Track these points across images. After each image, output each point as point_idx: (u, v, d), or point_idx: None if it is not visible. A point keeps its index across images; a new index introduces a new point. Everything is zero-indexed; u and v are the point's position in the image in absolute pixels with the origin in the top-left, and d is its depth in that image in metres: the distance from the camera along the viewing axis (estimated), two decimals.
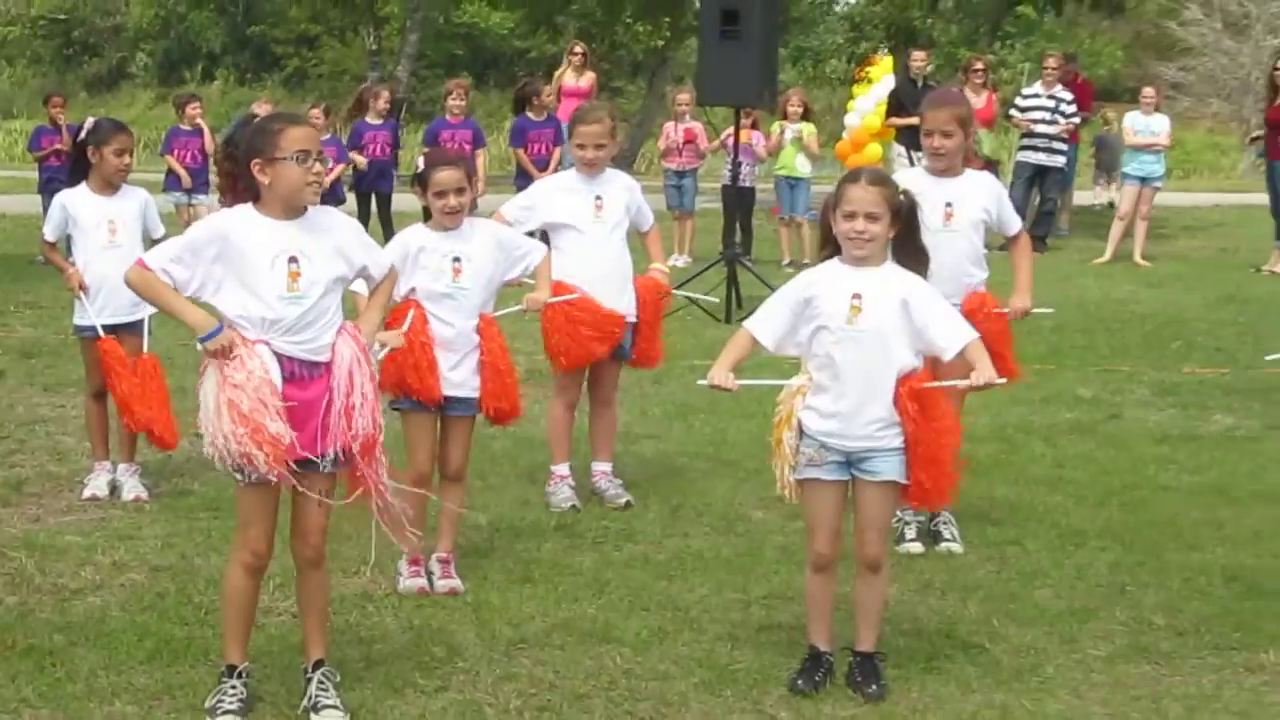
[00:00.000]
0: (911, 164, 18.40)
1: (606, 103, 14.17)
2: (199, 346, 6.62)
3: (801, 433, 7.32)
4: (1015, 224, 9.61)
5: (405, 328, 8.20)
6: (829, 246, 7.34)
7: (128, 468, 10.47)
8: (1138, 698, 7.39)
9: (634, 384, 12.45)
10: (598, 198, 10.21)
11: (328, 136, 22.49)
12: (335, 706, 6.88)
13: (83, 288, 10.16)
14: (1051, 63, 26.62)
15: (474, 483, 9.51)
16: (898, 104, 22.82)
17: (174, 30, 70.22)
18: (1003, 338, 9.22)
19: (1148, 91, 26.07)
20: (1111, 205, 31.33)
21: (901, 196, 7.26)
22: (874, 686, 7.28)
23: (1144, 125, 25.00)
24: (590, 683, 7.40)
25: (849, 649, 7.47)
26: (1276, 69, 24.61)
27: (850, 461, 7.27)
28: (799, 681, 7.35)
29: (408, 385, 8.14)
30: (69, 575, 8.78)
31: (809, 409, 7.28)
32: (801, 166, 23.10)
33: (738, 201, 21.28)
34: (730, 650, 7.86)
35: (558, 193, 10.29)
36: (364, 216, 21.69)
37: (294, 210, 6.73)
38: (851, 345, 7.14)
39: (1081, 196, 31.06)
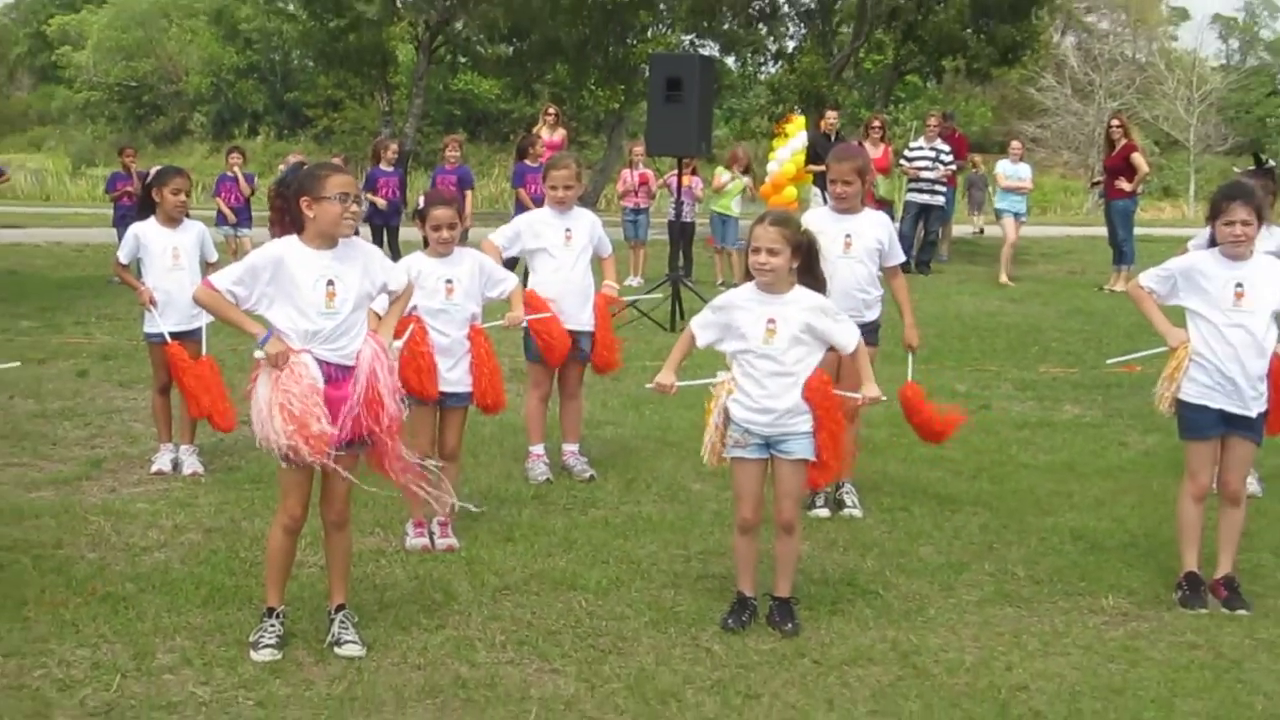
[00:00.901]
0: (824, 203, 18.40)
1: (573, 153, 14.15)
2: (257, 352, 6.68)
3: (729, 420, 7.39)
4: (899, 257, 9.63)
5: (404, 340, 8.20)
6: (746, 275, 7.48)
7: (187, 448, 10.46)
8: (1002, 634, 7.41)
9: (597, 381, 12.42)
10: (567, 229, 10.26)
11: None
12: (354, 641, 6.89)
13: (152, 302, 10.18)
14: (932, 121, 26.71)
15: (467, 460, 9.49)
16: (813, 154, 22.83)
17: (225, 95, 70.15)
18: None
19: (1015, 145, 26.20)
20: (981, 231, 31.46)
21: (801, 234, 7.36)
22: (789, 625, 7.32)
23: (1013, 171, 25.12)
24: (560, 621, 7.42)
25: (769, 595, 7.49)
26: (1111, 127, 24.75)
27: (769, 443, 7.36)
28: (729, 621, 7.38)
29: (410, 385, 8.11)
30: (139, 535, 8.75)
31: (735, 401, 7.37)
32: (734, 208, 23.26)
33: (681, 233, 21.28)
34: (674, 595, 7.87)
35: (535, 224, 10.34)
36: (376, 246, 21.64)
37: (330, 241, 6.79)
38: (767, 360, 7.29)
39: (959, 229, 31.14)
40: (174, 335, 10.20)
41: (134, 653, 6.79)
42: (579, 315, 10.26)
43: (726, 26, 38.93)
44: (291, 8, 43.29)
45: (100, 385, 13.53)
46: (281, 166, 22.39)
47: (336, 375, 6.74)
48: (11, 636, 6.93)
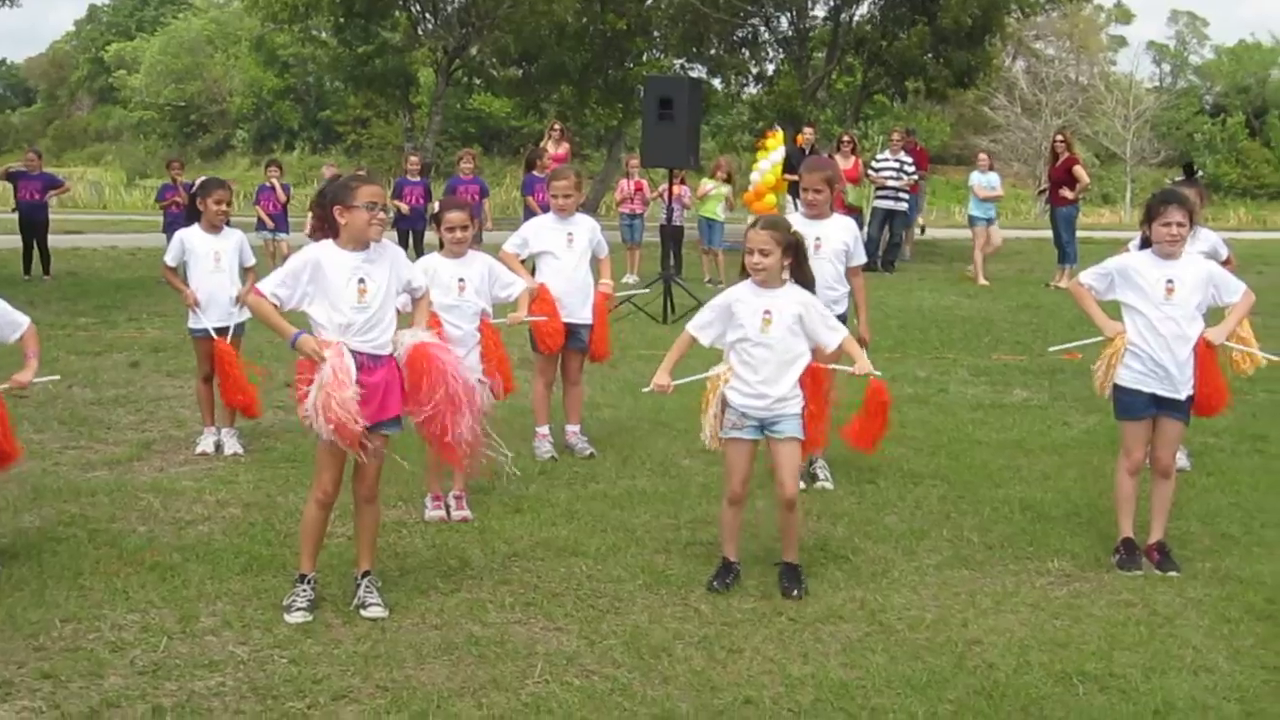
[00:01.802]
0: (796, 210, 18.34)
1: (573, 166, 14.15)
2: (291, 347, 6.71)
3: (726, 405, 7.38)
4: (861, 259, 9.61)
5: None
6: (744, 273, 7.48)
7: (229, 431, 10.42)
8: (958, 594, 7.39)
9: (598, 369, 12.38)
10: (569, 234, 10.25)
11: None
12: (378, 604, 6.88)
13: (195, 303, 10.16)
14: (896, 135, 26.71)
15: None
16: (790, 165, 22.81)
17: (264, 114, 70.14)
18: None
19: (982, 156, 26.16)
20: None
21: (791, 235, 7.37)
22: (796, 590, 7.30)
23: (985, 181, 25.05)
24: (563, 584, 7.39)
25: (780, 562, 7.49)
26: (1055, 142, 24.76)
27: (762, 425, 7.34)
28: (715, 583, 7.37)
29: None
30: (184, 510, 8.72)
31: (732, 388, 7.36)
32: (720, 213, 23.27)
33: (672, 236, 21.30)
34: (665, 560, 7.84)
35: (541, 230, 10.34)
36: (402, 247, 21.72)
37: (361, 244, 6.83)
38: (763, 348, 7.28)
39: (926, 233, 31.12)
40: (215, 330, 10.22)
41: (179, 616, 6.76)
42: (580, 310, 10.27)
43: (713, 52, 38.85)
44: (324, 35, 43.12)
45: (150, 375, 13.47)
46: (325, 173, 22.35)
47: (368, 364, 6.76)
48: (69, 603, 6.90)
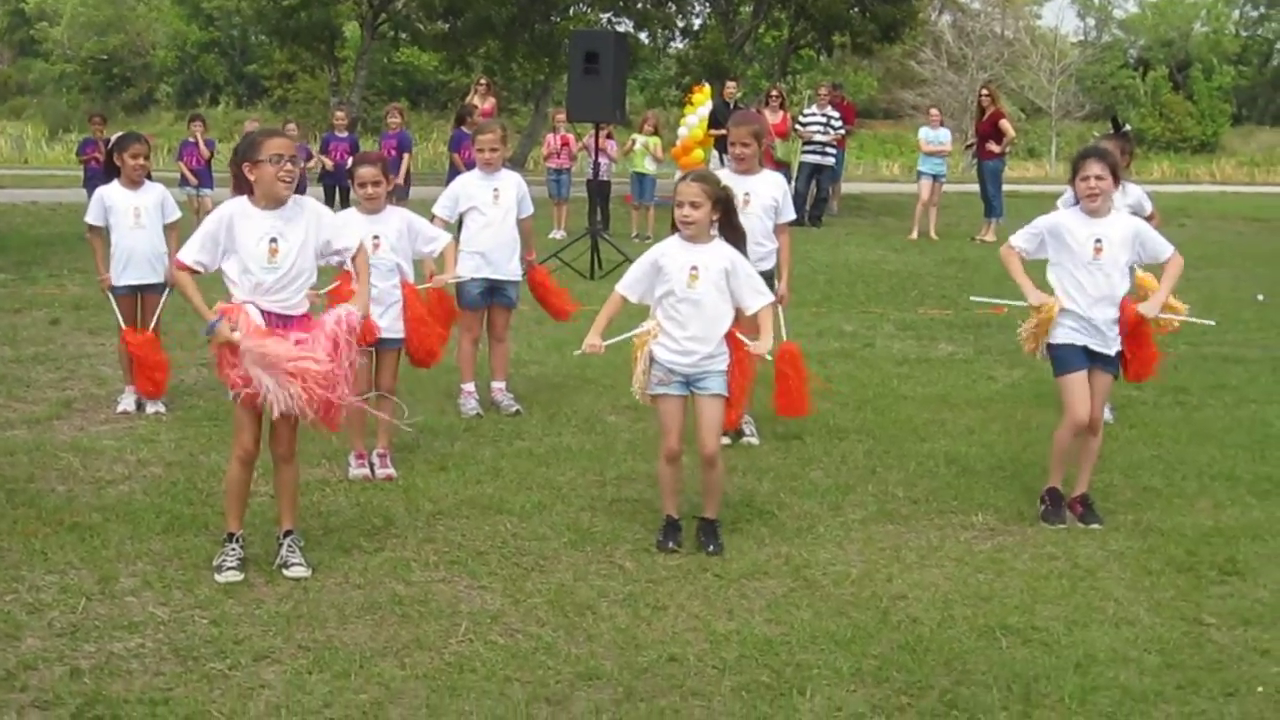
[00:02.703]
0: (723, 165, 18.26)
1: (499, 120, 14.05)
2: (206, 335, 6.63)
3: (653, 361, 7.32)
4: (789, 215, 9.54)
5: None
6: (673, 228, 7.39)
7: None
8: (883, 549, 7.40)
9: (524, 325, 12.35)
10: (495, 189, 10.14)
11: (296, 144, 22.28)
12: (300, 564, 6.81)
13: (108, 287, 10.25)
14: (823, 90, 26.72)
15: (405, 397, 9.36)
16: (715, 120, 22.75)
17: (189, 67, 69.31)
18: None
19: (934, 113, 26.13)
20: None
21: (721, 190, 7.31)
22: (712, 546, 7.28)
23: (933, 137, 25.07)
24: (488, 542, 7.34)
25: (697, 516, 7.46)
26: (981, 96, 24.88)
27: (689, 381, 7.29)
28: (668, 543, 7.31)
29: None
30: (105, 470, 8.59)
31: (659, 344, 7.30)
32: (649, 166, 23.26)
33: (598, 191, 21.20)
34: (590, 518, 7.80)
35: (467, 186, 10.23)
36: (329, 204, 21.60)
37: (276, 201, 6.71)
38: (689, 304, 7.22)
39: (848, 188, 31.15)
40: (136, 288, 10.17)
41: (99, 577, 6.66)
42: (506, 266, 10.17)
43: (639, 5, 38.75)
44: None
45: (71, 333, 13.28)
46: (248, 127, 22.14)
47: (278, 324, 6.67)
48: None
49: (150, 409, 10.13)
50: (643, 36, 40.50)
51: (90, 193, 11.49)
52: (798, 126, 25.62)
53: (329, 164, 22.17)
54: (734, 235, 7.39)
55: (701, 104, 23.72)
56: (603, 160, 21.55)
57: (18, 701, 5.36)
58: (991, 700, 5.56)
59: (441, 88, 62.37)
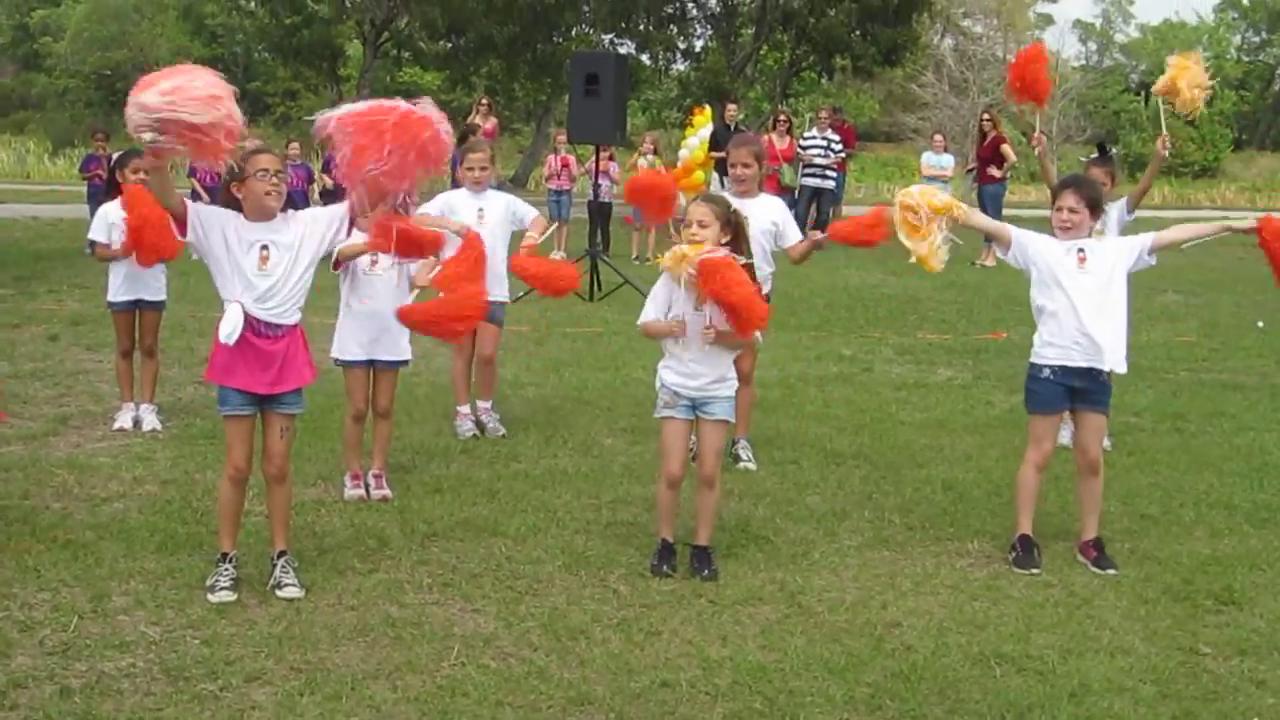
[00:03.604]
0: (723, 188, 18.29)
1: (487, 140, 14.03)
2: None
3: (661, 383, 7.32)
4: (795, 237, 9.53)
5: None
6: None
7: (147, 407, 10.28)
8: (879, 575, 7.37)
9: (521, 345, 12.35)
10: (480, 209, 10.08)
11: (298, 163, 22.38)
12: (294, 584, 6.77)
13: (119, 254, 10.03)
14: (824, 113, 26.80)
15: (401, 418, 9.37)
16: (715, 143, 22.75)
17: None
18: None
19: (937, 138, 26.36)
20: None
21: (731, 212, 7.28)
22: (707, 571, 7.23)
23: (936, 161, 25.19)
24: (482, 565, 7.31)
25: (689, 543, 7.43)
26: (983, 120, 24.92)
27: (695, 405, 7.27)
28: (663, 567, 7.27)
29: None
30: (100, 487, 8.57)
31: (666, 367, 7.31)
32: None
33: (599, 212, 21.25)
34: (585, 541, 7.77)
35: (453, 201, 10.15)
36: None
37: (265, 214, 6.68)
38: (695, 330, 7.20)
39: (849, 211, 31.14)
40: (138, 304, 10.19)
41: (91, 595, 6.64)
42: (492, 288, 10.00)
43: (641, 27, 38.86)
44: (251, 5, 42.76)
45: (70, 349, 13.27)
46: (247, 145, 22.05)
47: (266, 331, 6.65)
48: None
49: (147, 426, 10.12)
50: (645, 58, 40.58)
51: (94, 209, 11.48)
52: (798, 149, 25.65)
53: (330, 183, 22.26)
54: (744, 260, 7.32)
55: (702, 126, 23.74)
56: (603, 181, 21.59)
57: None
58: None
59: (443, 107, 62.34)
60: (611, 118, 18.78)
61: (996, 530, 8.17)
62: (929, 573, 7.45)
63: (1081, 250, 7.60)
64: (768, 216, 9.34)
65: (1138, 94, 70.83)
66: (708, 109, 24.65)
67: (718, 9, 38.28)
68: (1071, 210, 7.62)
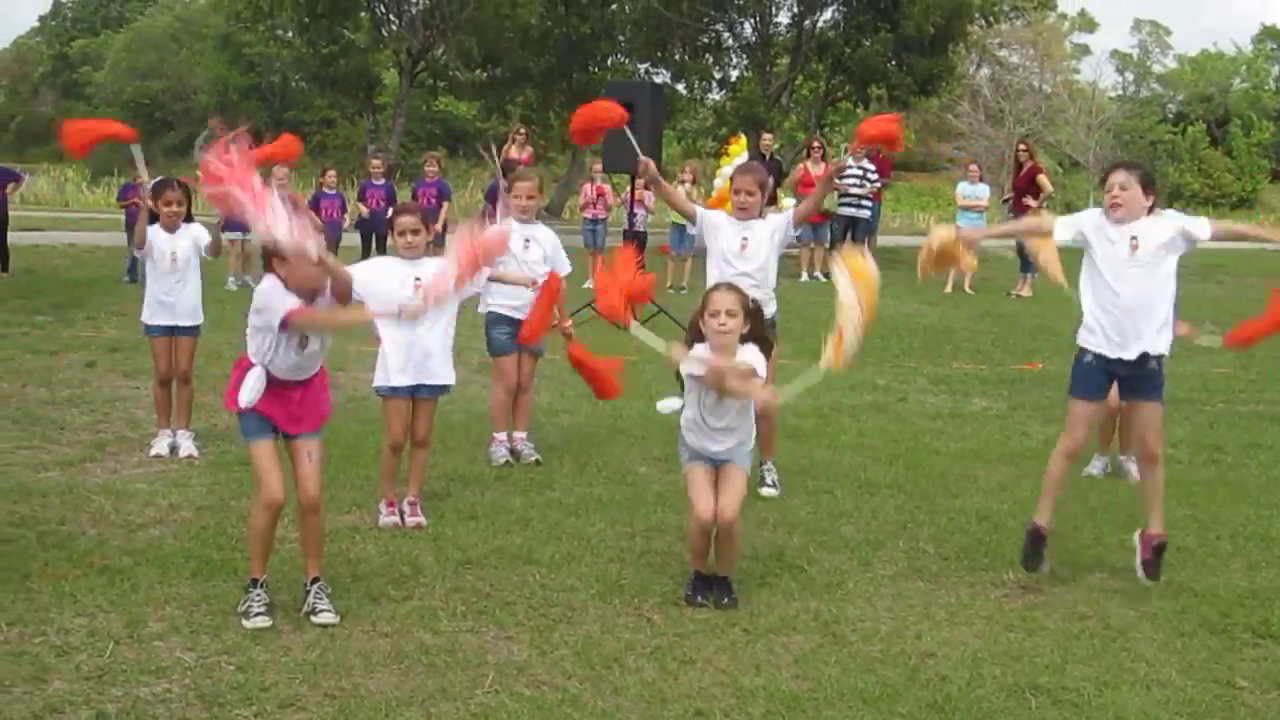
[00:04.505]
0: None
1: (534, 169, 14.13)
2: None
3: (683, 443, 7.43)
4: (792, 235, 9.68)
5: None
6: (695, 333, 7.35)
7: (184, 433, 10.34)
8: (913, 605, 7.36)
9: (557, 373, 12.35)
10: (527, 240, 10.15)
11: (333, 193, 22.48)
12: (328, 610, 6.79)
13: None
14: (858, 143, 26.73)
15: (436, 445, 9.39)
16: None
17: (230, 112, 69.85)
18: None
19: (972, 168, 26.28)
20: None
21: (750, 301, 7.33)
22: (727, 599, 7.24)
23: (972, 191, 25.16)
24: (516, 593, 7.32)
25: (713, 574, 7.41)
26: (1019, 150, 24.87)
27: (716, 463, 7.35)
28: (695, 597, 7.27)
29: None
30: (136, 513, 8.61)
31: (688, 430, 7.37)
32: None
33: (635, 241, 21.28)
34: (619, 569, 7.78)
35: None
36: (365, 251, 21.79)
37: (309, 293, 6.62)
38: (718, 401, 7.23)
39: (884, 241, 31.13)
40: (174, 329, 10.27)
41: (127, 621, 6.67)
42: None
43: (677, 57, 38.94)
44: (289, 34, 43.05)
45: (107, 375, 13.36)
46: (277, 174, 22.12)
47: (288, 389, 6.76)
48: (15, 606, 6.80)
49: (184, 452, 10.18)
50: (680, 87, 40.66)
51: (130, 237, 11.58)
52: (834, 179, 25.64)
53: (365, 211, 22.37)
54: (764, 348, 7.34)
55: (738, 155, 23.81)
56: (639, 211, 21.62)
57: None
58: None
59: (479, 136, 62.81)
60: (646, 147, 18.79)
61: None
62: (964, 603, 7.42)
63: (1134, 238, 7.45)
64: (770, 228, 9.44)
65: (1175, 125, 70.76)
66: (743, 139, 24.84)
67: (753, 39, 38.33)
68: (1122, 187, 7.47)
